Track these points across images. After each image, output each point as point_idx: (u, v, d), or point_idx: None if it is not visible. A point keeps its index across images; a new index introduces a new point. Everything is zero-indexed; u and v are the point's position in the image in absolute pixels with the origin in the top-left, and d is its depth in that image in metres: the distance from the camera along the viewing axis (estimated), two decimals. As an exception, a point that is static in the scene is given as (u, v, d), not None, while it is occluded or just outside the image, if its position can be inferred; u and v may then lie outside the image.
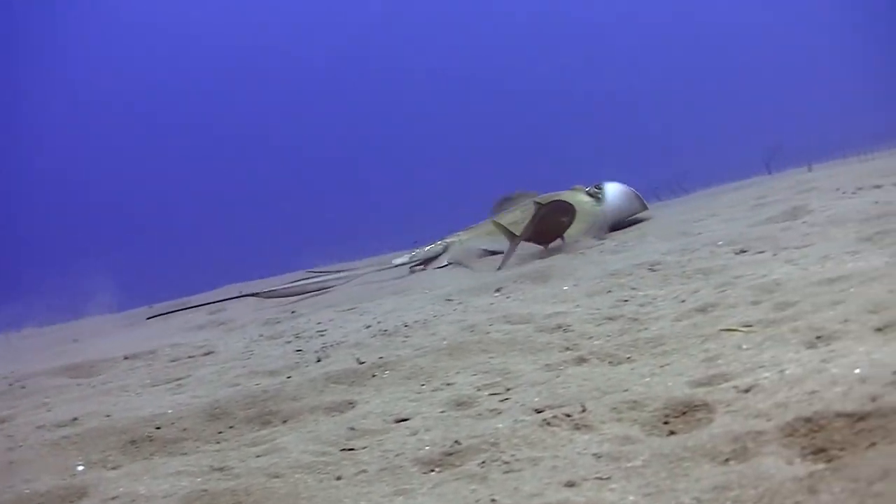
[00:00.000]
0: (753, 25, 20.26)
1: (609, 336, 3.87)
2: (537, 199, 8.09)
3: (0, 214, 18.20)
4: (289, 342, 5.34)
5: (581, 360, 3.51)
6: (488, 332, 4.28)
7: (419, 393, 3.51)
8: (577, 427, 2.70)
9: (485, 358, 3.86)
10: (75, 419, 3.84)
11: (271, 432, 3.33)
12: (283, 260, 11.60)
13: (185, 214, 21.09)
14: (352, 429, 3.11)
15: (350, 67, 22.55)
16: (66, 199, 19.94)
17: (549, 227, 7.75)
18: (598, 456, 2.43)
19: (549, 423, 2.73)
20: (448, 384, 3.55)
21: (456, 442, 2.73)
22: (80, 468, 3.15)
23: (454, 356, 3.93)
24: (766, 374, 2.69)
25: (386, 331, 4.88)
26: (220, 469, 2.87)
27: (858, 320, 3.01)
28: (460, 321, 4.76)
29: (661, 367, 3.19)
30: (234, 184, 21.68)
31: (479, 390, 3.36)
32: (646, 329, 3.84)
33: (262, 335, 5.93)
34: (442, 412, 3.15)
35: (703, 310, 3.88)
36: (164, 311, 9.13)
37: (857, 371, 2.43)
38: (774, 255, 4.87)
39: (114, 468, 3.13)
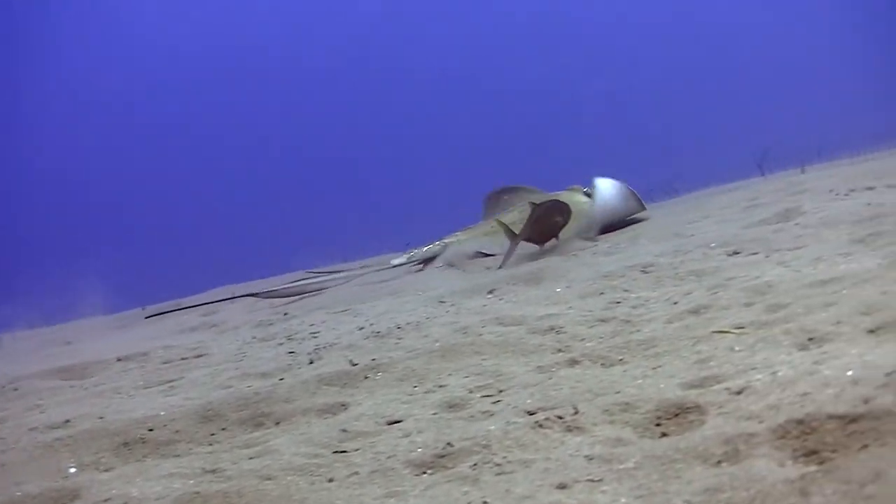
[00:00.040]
0: (752, 25, 20.31)
1: (601, 338, 3.87)
2: (532, 200, 8.11)
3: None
4: (281, 344, 5.34)
5: (573, 362, 3.51)
6: (481, 334, 4.27)
7: (411, 395, 3.50)
8: (569, 429, 2.70)
9: (477, 360, 3.86)
10: (68, 421, 3.83)
11: (263, 434, 3.33)
12: (282, 260, 11.61)
13: (182, 215, 21.11)
14: (344, 431, 3.11)
15: (349, 67, 22.58)
16: (59, 200, 19.93)
17: (545, 227, 7.78)
18: (589, 458, 2.43)
19: (541, 425, 2.73)
20: (440, 386, 3.55)
21: (448, 444, 2.72)
22: (73, 470, 3.14)
23: (447, 358, 3.93)
24: (759, 376, 2.69)
25: (379, 333, 4.88)
26: (213, 471, 2.87)
27: (851, 322, 3.01)
28: (453, 323, 4.76)
29: (654, 368, 3.19)
30: (233, 184, 21.70)
31: (471, 392, 3.36)
32: (638, 331, 3.84)
33: (254, 337, 5.92)
34: (434, 414, 3.15)
35: (695, 312, 3.89)
36: (164, 311, 9.12)
37: (850, 373, 2.43)
38: (767, 256, 4.88)
39: (106, 470, 3.12)
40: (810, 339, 2.98)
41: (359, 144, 22.40)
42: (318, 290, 8.50)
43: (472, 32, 22.50)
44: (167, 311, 9.03)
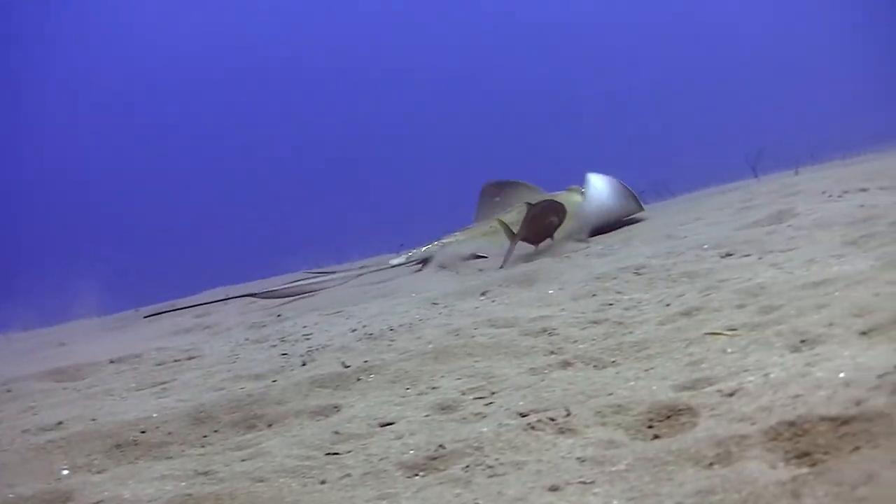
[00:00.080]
0: (752, 26, 20.33)
1: (594, 340, 3.87)
2: (528, 200, 8.12)
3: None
4: (274, 346, 5.33)
5: (566, 364, 3.51)
6: (473, 336, 4.27)
7: (404, 397, 3.50)
8: (561, 431, 2.70)
9: (470, 362, 3.85)
10: (60, 423, 3.82)
11: (256, 436, 3.32)
12: (282, 260, 11.59)
13: (181, 215, 21.09)
14: (336, 433, 3.11)
15: (349, 67, 22.58)
16: (54, 201, 19.89)
17: (540, 227, 7.80)
18: (582, 460, 2.43)
19: (533, 427, 2.73)
20: (433, 388, 3.55)
21: (440, 446, 2.73)
22: (65, 472, 3.14)
23: (439, 360, 3.93)
24: (751, 378, 2.69)
25: (371, 334, 4.87)
26: (205, 473, 2.87)
27: (843, 324, 3.02)
28: (446, 325, 4.76)
29: (646, 370, 3.19)
30: (232, 184, 21.68)
31: (463, 394, 3.36)
32: (630, 333, 3.84)
33: (247, 339, 5.91)
34: (426, 416, 3.15)
35: (687, 313, 3.89)
36: (163, 311, 9.09)
37: (842, 375, 2.44)
38: (760, 258, 4.88)
39: (99, 472, 3.12)
40: (802, 341, 2.99)
41: (358, 144, 22.41)
42: (317, 291, 8.48)
43: (471, 32, 22.52)
44: (165, 311, 9.01)
